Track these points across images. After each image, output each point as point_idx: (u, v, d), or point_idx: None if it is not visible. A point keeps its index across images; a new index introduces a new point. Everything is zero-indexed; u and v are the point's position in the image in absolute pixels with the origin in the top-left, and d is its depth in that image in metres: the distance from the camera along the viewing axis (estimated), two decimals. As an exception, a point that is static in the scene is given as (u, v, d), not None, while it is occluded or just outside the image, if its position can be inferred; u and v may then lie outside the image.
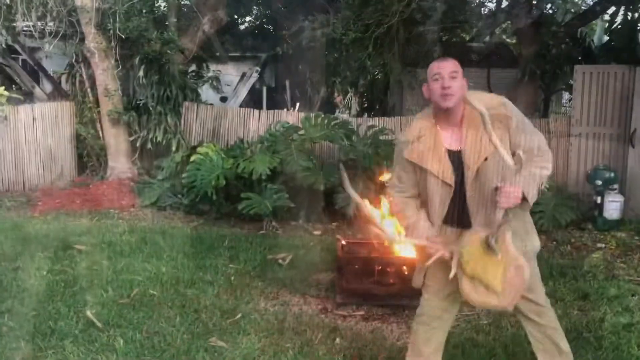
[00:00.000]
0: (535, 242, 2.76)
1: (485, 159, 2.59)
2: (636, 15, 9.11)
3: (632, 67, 7.56)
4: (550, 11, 11.05)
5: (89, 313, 3.94)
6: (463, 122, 2.64)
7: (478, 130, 2.57)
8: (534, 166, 2.52)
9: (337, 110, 16.34)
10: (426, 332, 2.85)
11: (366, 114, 13.77)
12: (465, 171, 2.61)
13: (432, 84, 2.69)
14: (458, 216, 2.68)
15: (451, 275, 2.52)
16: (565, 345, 2.87)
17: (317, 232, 6.59)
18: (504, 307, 2.56)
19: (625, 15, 9.50)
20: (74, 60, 8.35)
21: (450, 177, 2.62)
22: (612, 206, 6.98)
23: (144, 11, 7.92)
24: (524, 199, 2.47)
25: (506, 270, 2.45)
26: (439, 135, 2.66)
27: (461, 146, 2.62)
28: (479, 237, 2.51)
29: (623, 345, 3.65)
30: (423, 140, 2.67)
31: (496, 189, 2.49)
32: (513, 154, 2.51)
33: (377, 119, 8.46)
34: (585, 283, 4.86)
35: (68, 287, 4.48)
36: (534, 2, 8.94)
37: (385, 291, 4.33)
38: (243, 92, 13.47)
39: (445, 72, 2.68)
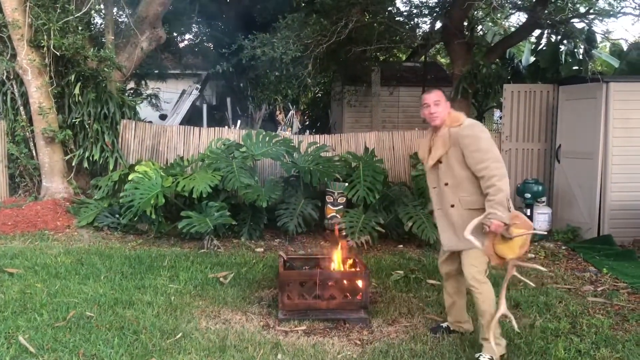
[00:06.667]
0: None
1: (440, 162, 3.73)
2: (559, 37, 9.69)
3: (555, 86, 8.04)
4: (481, 33, 11.59)
5: (21, 338, 3.81)
6: (437, 134, 3.79)
7: (441, 142, 3.72)
8: (492, 204, 3.46)
9: (279, 128, 16.45)
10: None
11: (307, 131, 13.96)
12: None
13: (423, 110, 3.82)
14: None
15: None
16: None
17: (259, 249, 6.61)
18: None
19: (549, 37, 10.09)
20: (4, 77, 8.06)
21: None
22: (541, 218, 7.36)
23: (80, 28, 7.75)
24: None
25: (523, 240, 3.50)
26: (429, 137, 3.91)
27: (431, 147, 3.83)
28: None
29: (551, 349, 3.85)
30: (426, 137, 3.98)
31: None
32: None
33: (318, 136, 8.59)
34: (517, 292, 5.09)
35: (-1, 312, 4.31)
36: (465, 24, 9.37)
37: (326, 305, 4.40)
38: (183, 110, 13.35)
39: (431, 101, 3.76)
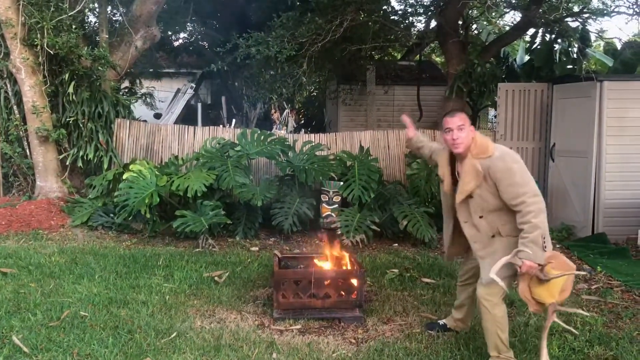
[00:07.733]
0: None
1: (470, 196, 3.40)
2: (553, 36, 9.71)
3: (550, 84, 8.05)
4: (476, 32, 11.61)
5: (15, 338, 3.79)
6: (462, 162, 3.44)
7: (470, 176, 3.37)
8: (525, 242, 3.19)
9: (274, 127, 16.44)
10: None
11: (303, 130, 13.96)
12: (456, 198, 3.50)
13: (445, 135, 3.46)
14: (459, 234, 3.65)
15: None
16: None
17: (254, 248, 6.60)
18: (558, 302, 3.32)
19: (543, 36, 10.12)
20: (-3, 76, 8.03)
21: (449, 189, 3.60)
22: (536, 216, 7.34)
23: (74, 26, 7.72)
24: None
25: (563, 282, 3.24)
26: (446, 157, 3.58)
27: (458, 179, 3.48)
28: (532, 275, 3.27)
29: (545, 348, 3.86)
30: (443, 154, 3.64)
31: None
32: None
33: (313, 134, 8.59)
34: (511, 290, 5.08)
35: (-8, 312, 4.29)
36: (460, 23, 9.38)
37: (321, 304, 4.40)
38: (178, 109, 13.33)
39: (454, 125, 3.40)
